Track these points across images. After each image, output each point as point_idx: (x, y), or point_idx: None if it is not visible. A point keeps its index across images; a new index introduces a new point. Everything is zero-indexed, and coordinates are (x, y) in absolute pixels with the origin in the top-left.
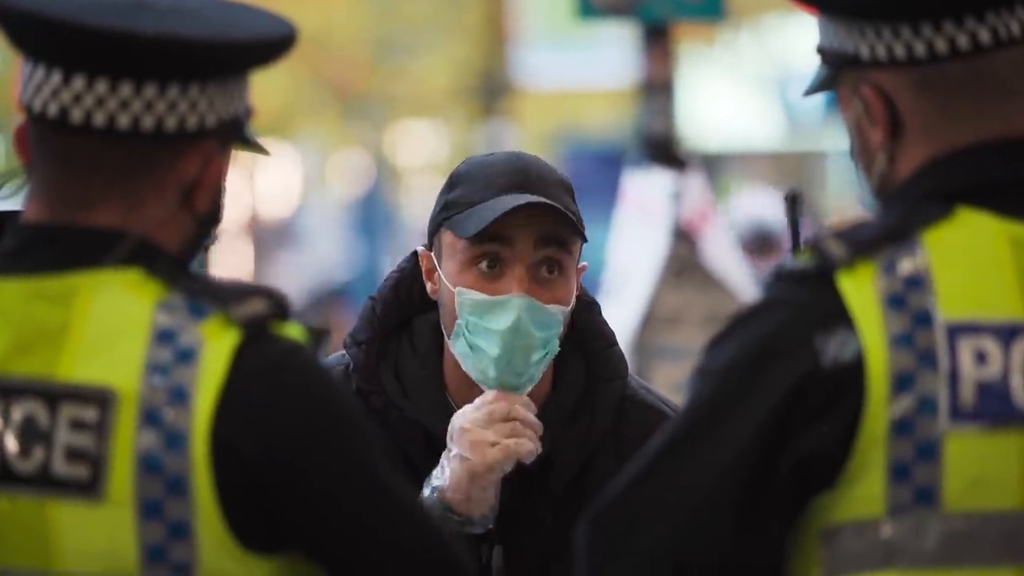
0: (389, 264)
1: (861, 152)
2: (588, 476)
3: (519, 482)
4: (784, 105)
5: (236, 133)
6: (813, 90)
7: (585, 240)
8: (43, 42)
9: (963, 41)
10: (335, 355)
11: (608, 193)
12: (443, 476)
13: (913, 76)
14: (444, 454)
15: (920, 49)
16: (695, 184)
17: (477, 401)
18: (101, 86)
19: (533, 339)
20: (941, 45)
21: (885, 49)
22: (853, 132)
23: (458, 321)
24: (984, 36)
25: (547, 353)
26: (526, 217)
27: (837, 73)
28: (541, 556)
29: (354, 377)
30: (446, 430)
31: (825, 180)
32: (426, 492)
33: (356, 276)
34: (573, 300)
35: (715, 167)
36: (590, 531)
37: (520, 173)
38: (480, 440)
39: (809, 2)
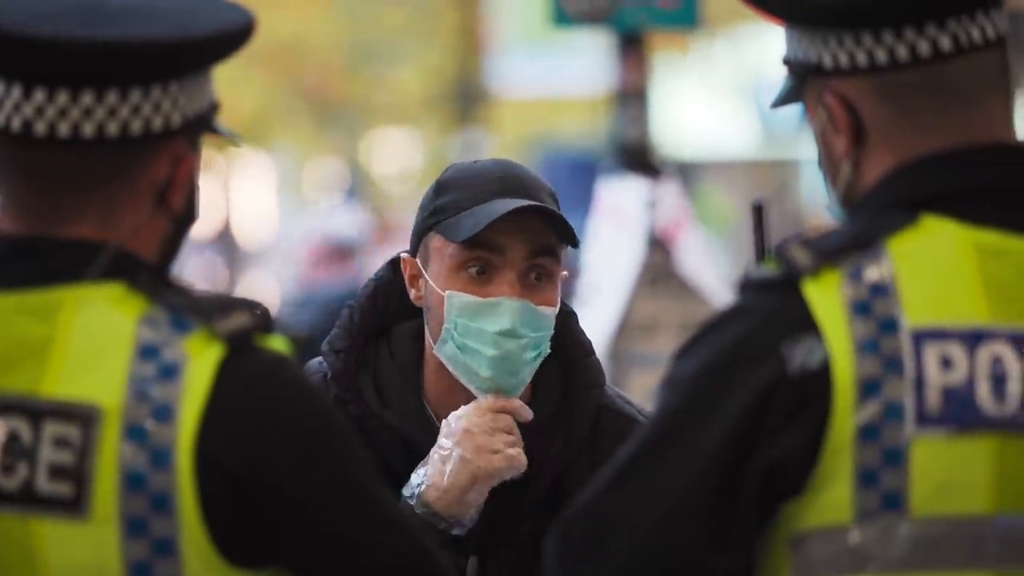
0: (364, 271)
1: (827, 161)
2: (564, 485)
3: (496, 491)
4: (759, 113)
5: (204, 129)
6: (780, 102)
7: (577, 246)
8: (1, 57)
9: (924, 48)
10: (312, 362)
11: (583, 201)
12: (427, 475)
13: (875, 83)
14: (433, 452)
15: (881, 56)
16: (670, 192)
17: (478, 405)
18: (62, 97)
19: (527, 339)
20: (902, 52)
21: (847, 57)
22: (819, 141)
23: (446, 325)
24: (945, 43)
25: (539, 354)
26: (518, 225)
27: (802, 83)
28: (517, 565)
29: (332, 385)
30: (425, 438)
31: (800, 188)
32: (406, 492)
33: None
34: (558, 303)
35: (690, 175)
36: (559, 540)
37: (512, 179)
38: (486, 445)
39: (773, 12)
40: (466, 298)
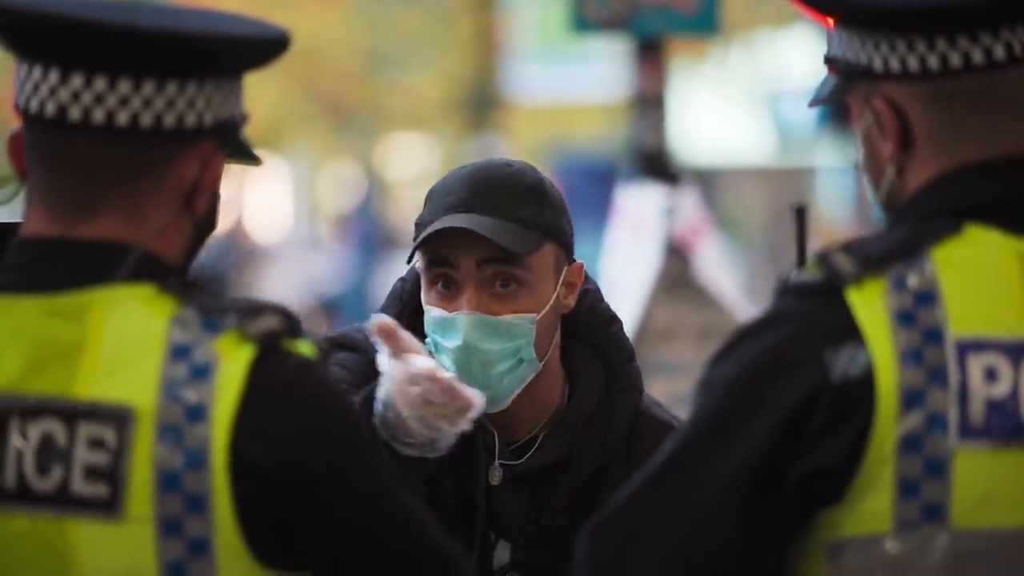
0: (380, 277)
1: (870, 164)
2: (600, 485)
3: (532, 483)
4: (775, 120)
5: (232, 136)
6: (821, 100)
7: (521, 255)
8: (41, 40)
9: (977, 56)
10: (356, 328)
11: (600, 208)
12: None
13: (926, 90)
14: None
15: (934, 63)
16: (688, 199)
17: (419, 372)
18: (100, 83)
19: (488, 353)
20: (955, 59)
21: (898, 62)
22: (863, 143)
23: (427, 339)
24: (999, 52)
25: (519, 361)
26: (466, 237)
27: (848, 83)
28: (548, 558)
29: None
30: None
31: (815, 196)
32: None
33: (346, 289)
34: (551, 303)
35: (708, 182)
36: (590, 542)
37: (470, 189)
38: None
39: (824, 11)
40: (434, 313)
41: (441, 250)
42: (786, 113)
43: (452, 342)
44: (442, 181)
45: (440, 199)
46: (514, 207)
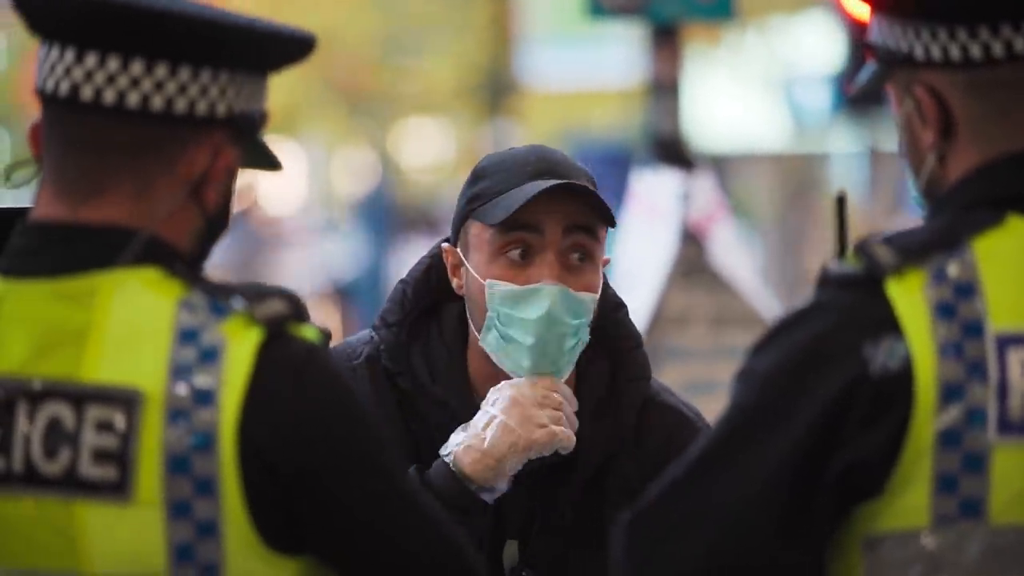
0: (394, 263)
1: (911, 152)
2: (608, 475)
3: (540, 477)
4: (790, 106)
5: (248, 131)
6: (863, 86)
7: (614, 226)
8: (58, 20)
9: (1020, 45)
10: (362, 334)
11: (615, 193)
12: (467, 437)
13: (967, 78)
14: (477, 416)
15: (976, 51)
16: (703, 185)
17: (530, 379)
18: (113, 63)
19: (566, 327)
20: (997, 48)
21: (940, 50)
22: (903, 131)
23: (489, 314)
24: None
25: (578, 341)
26: (555, 203)
27: (888, 70)
28: (557, 552)
29: (384, 358)
30: (470, 415)
31: (830, 182)
32: (443, 452)
33: (360, 275)
34: (600, 289)
35: (723, 168)
36: (628, 535)
37: (546, 161)
38: (531, 417)
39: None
40: (506, 287)
41: (527, 215)
42: (801, 99)
43: (532, 312)
44: (500, 157)
45: (512, 170)
46: (585, 183)
